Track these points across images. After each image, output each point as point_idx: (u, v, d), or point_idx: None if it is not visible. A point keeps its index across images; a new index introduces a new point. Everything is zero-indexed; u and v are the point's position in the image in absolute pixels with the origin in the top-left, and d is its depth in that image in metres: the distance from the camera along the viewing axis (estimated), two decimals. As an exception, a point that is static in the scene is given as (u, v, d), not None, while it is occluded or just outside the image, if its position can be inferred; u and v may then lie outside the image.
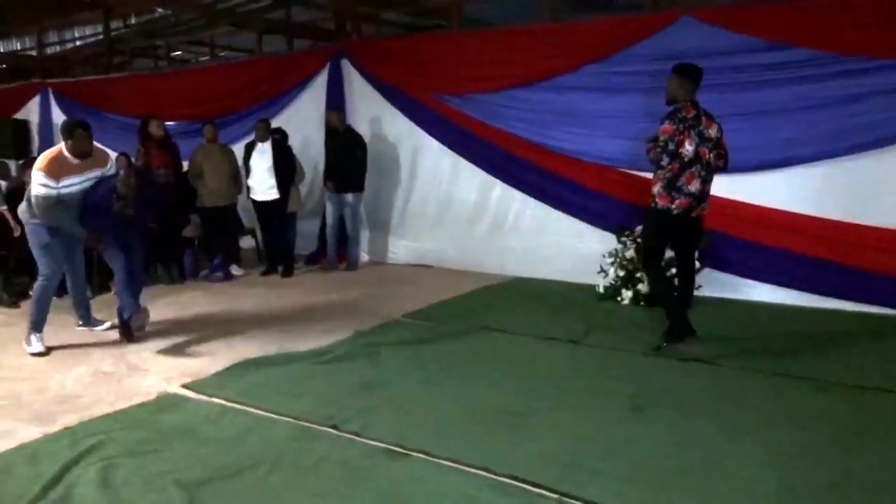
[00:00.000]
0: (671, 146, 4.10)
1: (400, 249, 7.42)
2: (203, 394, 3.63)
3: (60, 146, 4.47)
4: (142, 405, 3.50)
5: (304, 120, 7.68)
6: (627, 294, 5.56)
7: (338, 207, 7.30)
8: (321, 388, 3.69)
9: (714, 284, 5.61)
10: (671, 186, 4.17)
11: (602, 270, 5.82)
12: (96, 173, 4.56)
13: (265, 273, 7.04)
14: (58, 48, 10.83)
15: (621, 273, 5.65)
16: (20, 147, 10.12)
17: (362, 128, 7.33)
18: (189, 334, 4.80)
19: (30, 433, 3.16)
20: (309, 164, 7.55)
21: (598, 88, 6.06)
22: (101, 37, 9.91)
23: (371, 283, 6.54)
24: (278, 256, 7.18)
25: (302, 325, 5.02)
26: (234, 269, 6.99)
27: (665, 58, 5.19)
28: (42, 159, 4.42)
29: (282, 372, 3.95)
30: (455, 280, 6.53)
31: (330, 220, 7.40)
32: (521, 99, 6.39)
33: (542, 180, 6.39)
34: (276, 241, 7.23)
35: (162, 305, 5.59)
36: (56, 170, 4.36)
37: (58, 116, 10.25)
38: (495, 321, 5.00)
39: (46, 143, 10.37)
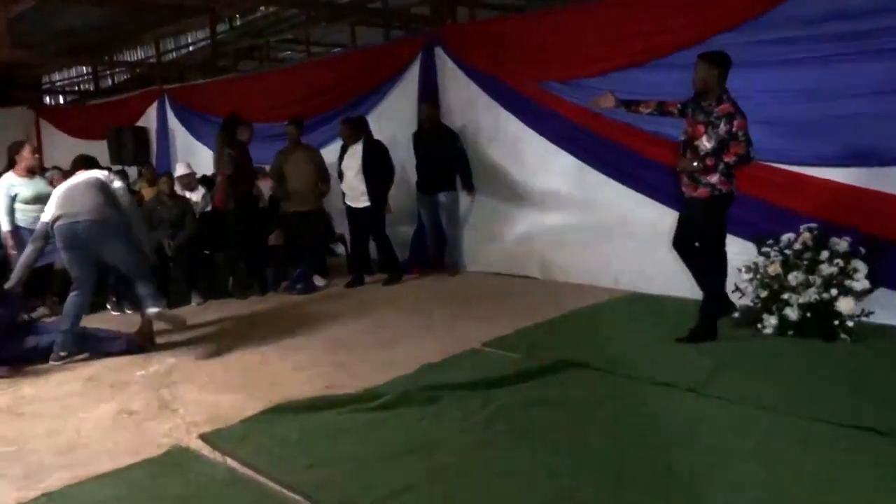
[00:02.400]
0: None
1: (500, 257, 6.58)
2: (219, 449, 3.02)
3: None
4: (146, 463, 2.94)
5: (395, 116, 7.03)
6: (770, 321, 4.38)
7: (430, 210, 6.62)
8: (354, 450, 2.96)
9: (891, 309, 4.33)
10: (730, 174, 4.14)
11: (737, 289, 4.67)
12: None
13: (349, 285, 6.46)
14: (174, 55, 10.96)
15: (763, 293, 4.48)
16: (139, 154, 10.33)
17: (456, 121, 6.58)
18: (234, 361, 4.29)
19: (4, 497, 2.67)
20: (398, 165, 6.88)
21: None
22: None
23: (460, 297, 5.76)
24: (365, 267, 6.64)
25: (364, 353, 4.34)
26: (318, 281, 6.47)
27: (827, 18, 4.02)
28: None
29: (317, 422, 3.26)
30: (558, 295, 5.62)
31: (427, 223, 6.75)
32: (635, 81, 5.30)
33: (660, 177, 5.28)
34: (366, 251, 6.68)
35: (224, 321, 5.15)
36: None
37: (173, 122, 10.40)
38: (595, 355, 4.05)
39: (163, 148, 10.55)
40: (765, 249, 4.64)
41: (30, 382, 4.08)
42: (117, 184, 4.67)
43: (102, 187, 4.55)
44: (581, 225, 5.94)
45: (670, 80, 5.10)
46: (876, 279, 4.26)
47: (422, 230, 6.90)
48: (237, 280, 6.31)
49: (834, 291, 4.21)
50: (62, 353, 4.37)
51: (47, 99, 14.48)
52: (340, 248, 7.47)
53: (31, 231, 5.25)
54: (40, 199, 5.39)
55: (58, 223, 4.37)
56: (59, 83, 13.69)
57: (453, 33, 6.59)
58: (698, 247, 4.35)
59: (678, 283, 5.23)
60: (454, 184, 6.57)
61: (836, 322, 4.19)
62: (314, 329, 4.98)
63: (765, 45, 4.74)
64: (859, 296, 4.22)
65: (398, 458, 2.87)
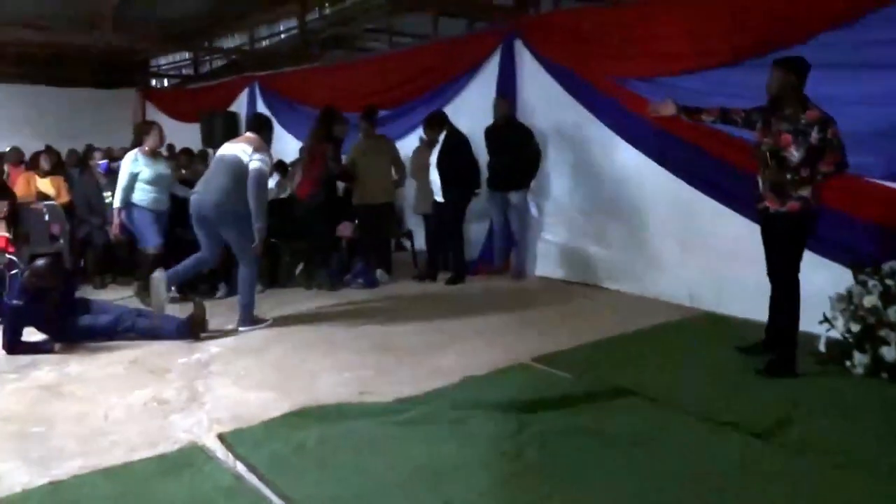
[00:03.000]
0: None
1: (569, 263, 6.24)
2: (233, 452, 2.89)
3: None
4: (159, 459, 2.85)
5: (472, 110, 6.78)
6: (861, 359, 3.85)
7: (500, 209, 6.37)
8: (369, 466, 2.76)
9: None
10: (819, 187, 3.78)
11: (826, 319, 4.16)
12: None
13: (418, 278, 6.35)
14: (266, 42, 11.14)
15: (855, 327, 3.96)
16: (228, 138, 10.51)
17: (534, 118, 6.27)
18: (275, 357, 4.20)
19: (14, 481, 2.65)
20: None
21: (841, 65, 4.34)
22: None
23: (521, 303, 5.47)
24: (436, 265, 6.48)
25: (409, 357, 4.14)
26: (381, 276, 6.34)
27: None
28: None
29: (339, 432, 3.08)
30: (627, 309, 5.24)
31: (496, 223, 6.50)
32: (727, 83, 4.84)
33: (746, 187, 4.79)
34: (438, 248, 6.52)
35: (277, 314, 5.09)
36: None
37: (262, 108, 10.55)
38: (652, 382, 3.69)
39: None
40: (862, 278, 4.10)
41: (78, 361, 4.13)
42: (254, 164, 4.68)
43: (235, 168, 4.68)
44: (656, 234, 5.51)
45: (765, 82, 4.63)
46: None
47: (493, 229, 6.66)
48: (306, 270, 6.26)
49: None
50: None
51: (153, 82, 15.12)
52: (408, 244, 7.33)
53: (146, 210, 5.52)
54: (160, 181, 5.63)
55: (192, 197, 4.83)
56: (164, 67, 14.25)
57: (532, 25, 6.27)
58: (777, 272, 3.91)
59: (759, 305, 4.75)
60: (527, 182, 6.28)
61: (941, 367, 3.63)
62: (364, 327, 4.83)
63: (881, 46, 4.19)
64: (971, 338, 3.65)
65: (407, 483, 2.64)
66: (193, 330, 4.54)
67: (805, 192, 3.75)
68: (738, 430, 3.10)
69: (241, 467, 2.77)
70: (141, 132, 5.84)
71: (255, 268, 4.90)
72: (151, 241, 5.49)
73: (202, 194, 4.75)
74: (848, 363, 3.91)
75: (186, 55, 13.33)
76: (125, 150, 8.51)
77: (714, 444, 2.99)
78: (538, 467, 2.77)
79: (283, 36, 10.70)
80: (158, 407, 3.43)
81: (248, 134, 5.01)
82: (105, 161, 7.01)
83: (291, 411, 3.29)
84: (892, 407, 3.40)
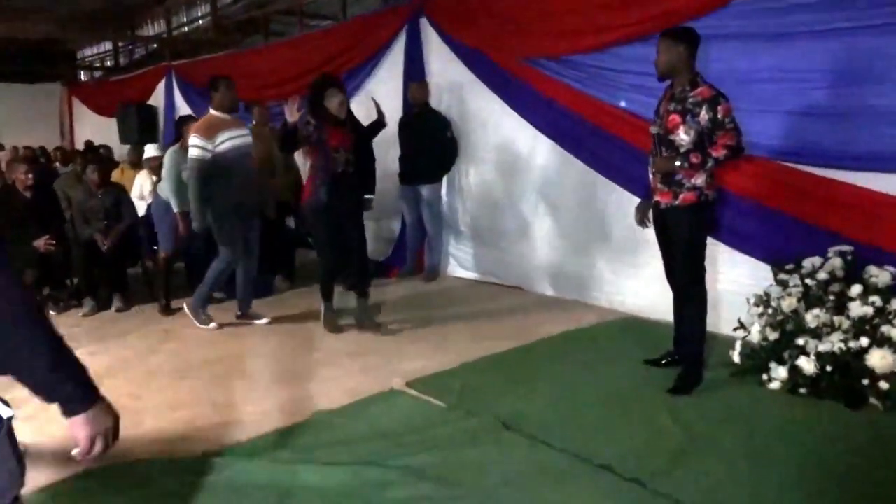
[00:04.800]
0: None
1: (484, 262, 5.70)
2: None
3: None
4: None
5: (382, 97, 6.18)
6: (779, 371, 3.35)
7: (412, 204, 5.82)
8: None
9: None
10: (713, 175, 3.33)
11: (741, 325, 3.67)
12: (245, 132, 4.60)
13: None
14: (186, 29, 10.43)
15: (772, 335, 3.47)
16: (144, 133, 9.86)
17: (443, 104, 5.71)
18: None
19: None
20: (381, 152, 6.04)
21: (755, 35, 3.84)
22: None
23: (423, 310, 4.92)
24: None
25: (260, 389, 3.57)
26: (279, 283, 5.77)
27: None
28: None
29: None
30: (541, 313, 4.74)
31: (407, 220, 5.95)
32: (637, 58, 4.30)
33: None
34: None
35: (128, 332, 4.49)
36: (206, 129, 4.37)
37: (179, 100, 9.88)
38: (535, 411, 3.17)
39: (170, 127, 10.07)
40: (782, 277, 3.62)
41: None
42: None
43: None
44: (574, 231, 4.98)
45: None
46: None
47: (405, 227, 6.10)
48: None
49: (865, 340, 3.16)
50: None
51: (82, 75, 14.32)
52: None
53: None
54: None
55: None
56: (88, 59, 13.46)
57: (438, 1, 5.67)
58: (678, 274, 3.43)
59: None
60: (438, 175, 5.74)
61: (866, 381, 3.14)
62: (225, 348, 4.25)
63: (799, 12, 3.68)
64: (900, 348, 3.16)
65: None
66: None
67: (699, 180, 3.26)
68: (616, 475, 2.57)
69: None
70: (182, 127, 5.21)
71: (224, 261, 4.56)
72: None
73: None
74: (764, 376, 3.41)
75: (110, 46, 12.54)
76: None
77: (581, 494, 2.46)
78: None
79: (200, 22, 9.98)
80: None
81: None
82: None
83: (75, 474, 2.69)
84: (808, 430, 2.90)
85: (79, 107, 12.99)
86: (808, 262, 3.56)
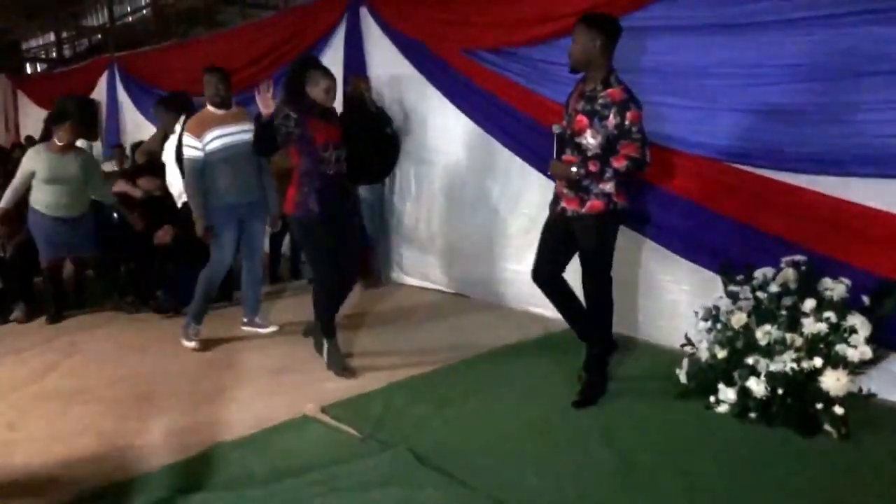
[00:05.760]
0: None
1: (430, 268, 5.37)
2: None
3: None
4: None
5: (322, 92, 5.83)
6: (728, 393, 3.07)
7: (354, 207, 5.44)
8: None
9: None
10: (623, 182, 3.10)
11: (688, 342, 3.39)
12: (245, 127, 3.93)
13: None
14: (130, 19, 9.95)
15: (720, 353, 3.18)
16: (84, 127, 9.35)
17: (384, 99, 5.35)
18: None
19: None
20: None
21: (707, 25, 3.54)
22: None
23: (359, 321, 4.57)
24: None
25: (166, 414, 3.20)
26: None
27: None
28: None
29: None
30: (476, 327, 4.41)
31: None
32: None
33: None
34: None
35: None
36: (196, 126, 3.98)
37: (122, 94, 9.40)
38: (457, 438, 2.87)
39: (112, 122, 9.59)
40: (732, 288, 3.34)
41: None
42: None
43: None
44: (518, 234, 4.67)
45: (631, 49, 3.79)
46: (882, 343, 2.93)
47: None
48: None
49: (819, 360, 2.89)
50: None
51: (28, 68, 13.72)
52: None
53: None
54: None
55: None
56: (33, 50, 12.88)
57: (377, -11, 5.32)
58: (585, 281, 3.21)
59: (627, 319, 4.01)
60: (377, 176, 5.37)
61: (820, 405, 2.87)
62: (132, 365, 3.87)
63: (758, 1, 3.38)
64: (855, 368, 2.90)
65: None
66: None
67: (607, 186, 3.05)
68: (537, 522, 2.26)
69: None
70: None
71: (211, 266, 4.16)
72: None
73: None
74: (711, 398, 3.13)
75: (53, 37, 11.99)
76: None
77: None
78: None
79: (144, 12, 9.51)
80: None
81: None
82: None
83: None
84: (756, 466, 2.62)
85: (24, 100, 12.42)
86: (760, 273, 3.27)
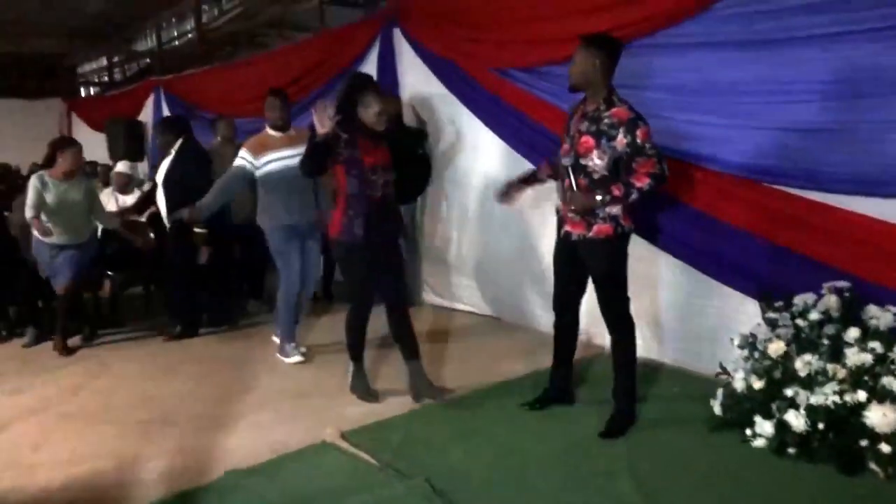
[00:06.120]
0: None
1: (462, 290, 5.29)
2: None
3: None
4: None
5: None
6: (765, 426, 2.90)
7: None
8: None
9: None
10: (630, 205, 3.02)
11: (724, 370, 3.23)
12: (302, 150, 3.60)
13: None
14: (177, 43, 10.21)
15: (757, 383, 3.01)
16: (130, 149, 9.62)
17: (413, 123, 5.33)
18: None
19: None
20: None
21: (741, 42, 3.40)
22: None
23: (383, 343, 4.47)
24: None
25: (181, 438, 3.19)
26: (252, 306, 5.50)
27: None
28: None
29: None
30: (513, 350, 4.32)
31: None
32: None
33: (642, 204, 3.83)
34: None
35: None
36: (254, 146, 4.10)
37: (167, 115, 9.63)
38: (478, 469, 2.78)
39: (156, 143, 9.83)
40: (770, 315, 3.17)
41: None
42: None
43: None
44: (551, 256, 4.54)
45: (664, 65, 3.70)
46: (934, 378, 2.72)
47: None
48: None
49: (863, 394, 2.71)
50: None
51: (82, 91, 14.20)
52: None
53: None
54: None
55: None
56: (87, 74, 13.34)
57: (409, 9, 5.30)
58: (602, 306, 3.12)
59: (665, 346, 3.88)
60: (412, 197, 5.35)
61: (865, 442, 2.68)
62: (156, 387, 3.89)
63: (795, 15, 3.23)
64: (904, 404, 2.70)
65: None
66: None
67: (615, 209, 2.99)
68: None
69: None
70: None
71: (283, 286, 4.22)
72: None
73: None
74: (748, 431, 2.96)
75: (105, 61, 12.40)
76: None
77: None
78: None
79: (190, 36, 9.75)
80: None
81: None
82: None
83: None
84: (795, 502, 2.45)
85: (77, 123, 12.86)
86: (800, 300, 3.11)
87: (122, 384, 3.95)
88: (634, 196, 2.93)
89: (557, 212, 3.22)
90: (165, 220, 4.79)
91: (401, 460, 2.86)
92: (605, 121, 2.93)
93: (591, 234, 3.01)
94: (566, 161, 3.04)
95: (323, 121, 3.15)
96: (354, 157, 3.30)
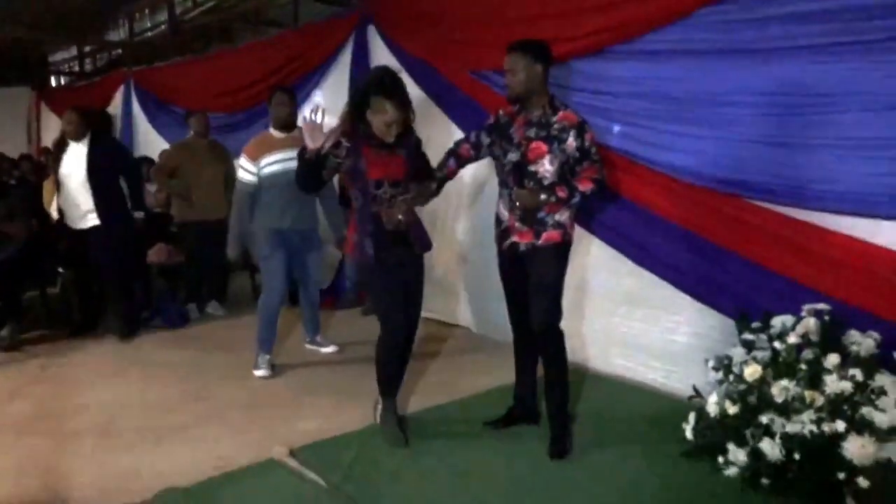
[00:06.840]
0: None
1: (433, 298, 5.08)
2: None
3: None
4: None
5: (327, 112, 5.64)
6: (738, 455, 2.74)
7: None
8: None
9: None
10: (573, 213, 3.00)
11: (696, 394, 3.08)
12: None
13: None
14: (150, 34, 9.93)
15: (732, 408, 2.86)
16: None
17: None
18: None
19: None
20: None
21: (719, 51, 3.26)
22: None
23: (350, 352, 4.32)
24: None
25: (118, 452, 2.96)
26: (214, 308, 5.24)
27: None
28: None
29: None
30: (481, 362, 4.15)
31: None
32: (590, 74, 3.79)
33: (619, 217, 3.70)
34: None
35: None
36: (253, 148, 3.90)
37: (136, 108, 9.36)
38: (429, 496, 2.57)
39: (126, 135, 9.53)
40: (747, 336, 3.03)
41: None
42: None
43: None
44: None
45: (644, 73, 3.55)
46: (916, 408, 2.59)
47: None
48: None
49: (841, 424, 2.57)
50: None
51: (53, 80, 13.83)
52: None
53: None
54: None
55: None
56: (58, 63, 12.99)
57: (384, 7, 5.13)
58: (537, 315, 2.92)
59: (634, 360, 3.73)
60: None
61: (842, 475, 2.54)
62: (99, 393, 3.66)
63: (783, 23, 3.09)
64: (884, 435, 2.56)
65: None
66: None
67: (563, 217, 2.92)
68: None
69: None
70: None
71: (263, 294, 4.01)
72: None
73: None
74: (720, 459, 2.80)
75: (76, 51, 12.07)
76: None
77: None
78: None
79: (163, 27, 9.47)
80: None
81: None
82: None
83: None
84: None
85: (46, 112, 12.52)
86: (778, 321, 2.95)
87: (60, 390, 3.70)
88: (577, 199, 2.87)
89: (500, 223, 3.05)
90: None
91: (350, 483, 2.67)
92: (555, 125, 2.87)
93: (540, 241, 2.90)
94: (513, 158, 2.91)
95: (313, 133, 2.72)
96: (358, 168, 2.86)
